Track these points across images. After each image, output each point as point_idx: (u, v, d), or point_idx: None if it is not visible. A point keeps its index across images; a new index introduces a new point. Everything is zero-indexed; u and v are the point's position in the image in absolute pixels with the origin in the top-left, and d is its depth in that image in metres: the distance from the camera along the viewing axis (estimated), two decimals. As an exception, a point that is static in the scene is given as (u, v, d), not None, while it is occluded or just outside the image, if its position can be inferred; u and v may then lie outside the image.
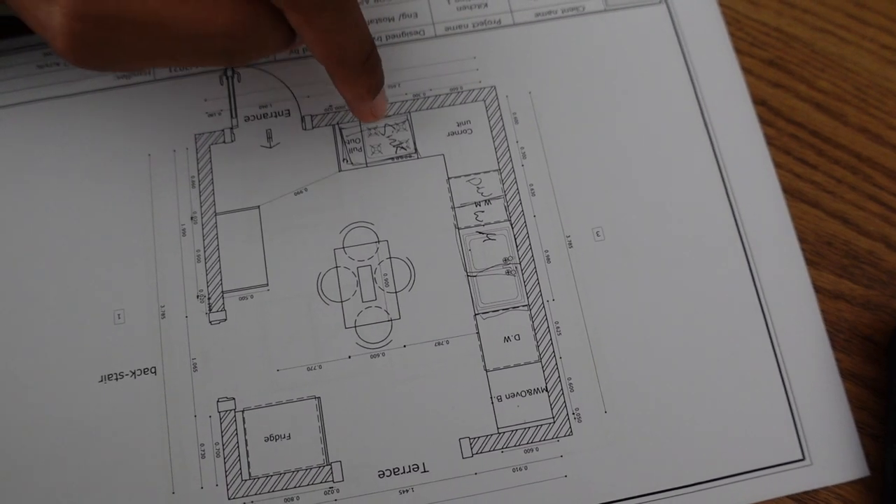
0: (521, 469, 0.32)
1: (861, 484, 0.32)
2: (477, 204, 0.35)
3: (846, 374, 0.34)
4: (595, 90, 0.36)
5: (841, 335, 0.34)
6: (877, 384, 0.34)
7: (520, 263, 0.34)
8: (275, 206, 0.34)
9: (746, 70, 0.38)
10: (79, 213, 0.34)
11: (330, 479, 0.31)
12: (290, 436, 0.32)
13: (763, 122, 0.37)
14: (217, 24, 0.27)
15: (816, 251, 0.35)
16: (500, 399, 0.32)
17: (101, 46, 0.27)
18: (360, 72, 0.31)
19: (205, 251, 0.34)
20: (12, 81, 0.36)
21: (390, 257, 0.34)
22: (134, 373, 0.32)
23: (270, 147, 0.35)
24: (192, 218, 0.34)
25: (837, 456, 0.32)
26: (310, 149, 0.35)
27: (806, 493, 0.32)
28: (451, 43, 0.37)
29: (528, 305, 0.33)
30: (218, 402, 0.32)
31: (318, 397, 0.32)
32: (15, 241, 0.34)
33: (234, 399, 0.32)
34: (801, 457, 0.32)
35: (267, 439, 0.32)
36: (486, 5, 0.38)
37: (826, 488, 0.32)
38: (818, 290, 0.35)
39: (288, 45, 0.29)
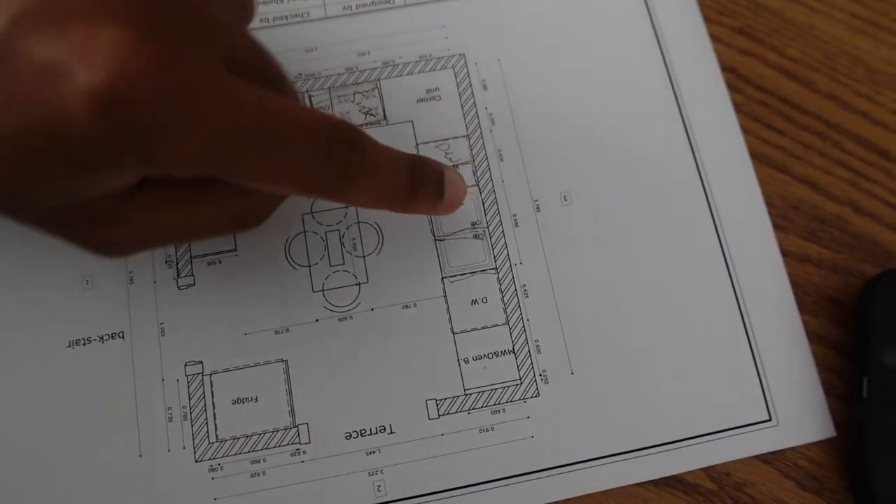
0: (487, 430, 0.32)
1: (827, 444, 0.33)
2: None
3: (813, 337, 0.34)
4: (563, 57, 0.37)
5: (808, 298, 0.34)
6: (843, 346, 0.34)
7: (488, 227, 0.34)
8: (243, 173, 0.34)
9: (715, 38, 0.38)
10: (47, 180, 0.34)
11: (297, 441, 0.31)
12: (257, 398, 0.32)
13: (731, 88, 0.37)
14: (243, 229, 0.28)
15: (783, 215, 0.35)
16: (467, 361, 0.32)
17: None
18: (411, 197, 0.29)
19: (173, 217, 0.34)
20: None
21: (358, 222, 0.34)
22: (102, 338, 0.32)
23: (239, 114, 0.35)
24: (160, 184, 0.34)
25: (804, 416, 0.32)
26: (279, 116, 0.35)
27: (772, 453, 0.32)
28: (421, 11, 0.37)
29: (496, 269, 0.34)
30: (185, 365, 0.32)
31: (286, 360, 0.32)
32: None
33: (201, 363, 0.32)
34: (767, 417, 0.32)
35: (234, 402, 0.32)
36: (455, -26, 0.38)
37: (793, 448, 0.32)
38: (785, 253, 0.35)
39: None
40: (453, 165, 0.35)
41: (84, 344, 0.32)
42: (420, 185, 0.29)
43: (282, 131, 0.24)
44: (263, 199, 0.27)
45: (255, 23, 0.36)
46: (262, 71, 0.26)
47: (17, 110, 0.20)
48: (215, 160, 0.23)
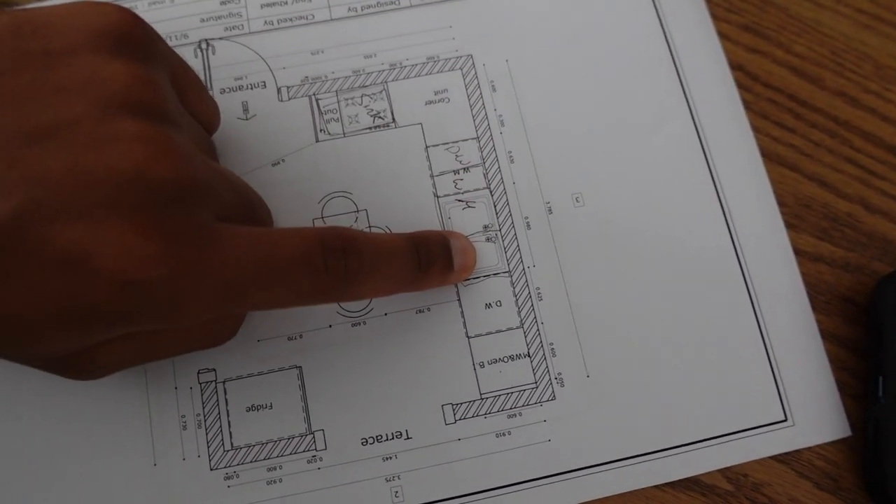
0: (504, 434, 0.32)
1: (843, 444, 0.32)
2: (456, 172, 0.34)
3: (827, 336, 0.34)
4: (572, 56, 0.36)
5: (821, 297, 0.34)
6: (857, 345, 0.34)
7: (500, 230, 0.34)
8: (252, 178, 0.34)
9: (723, 35, 0.38)
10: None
11: (313, 447, 0.31)
12: (271, 405, 0.32)
13: (740, 86, 0.37)
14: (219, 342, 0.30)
15: (795, 214, 0.35)
16: (482, 365, 0.32)
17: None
18: (421, 277, 0.30)
19: (182, 224, 0.33)
20: None
21: (370, 226, 0.34)
22: (113, 347, 0.32)
23: (247, 119, 0.35)
24: (168, 191, 0.34)
25: (819, 416, 0.32)
26: (286, 120, 0.35)
27: (788, 453, 0.32)
28: (427, 12, 0.37)
29: (509, 272, 0.33)
30: (199, 373, 0.32)
31: (300, 367, 0.32)
32: None
33: (214, 370, 0.32)
34: (783, 418, 0.32)
35: (248, 409, 0.31)
36: (461, -26, 0.38)
37: (808, 448, 0.32)
38: (798, 252, 0.35)
39: None
40: (463, 168, 0.35)
41: (95, 353, 0.32)
42: (428, 264, 0.30)
43: (278, 263, 0.25)
44: (236, 321, 0.30)
45: (258, 26, 0.35)
46: (243, 203, 0.28)
47: (45, 294, 0.22)
48: (222, 305, 0.24)
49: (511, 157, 0.35)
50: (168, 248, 0.22)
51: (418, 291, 0.32)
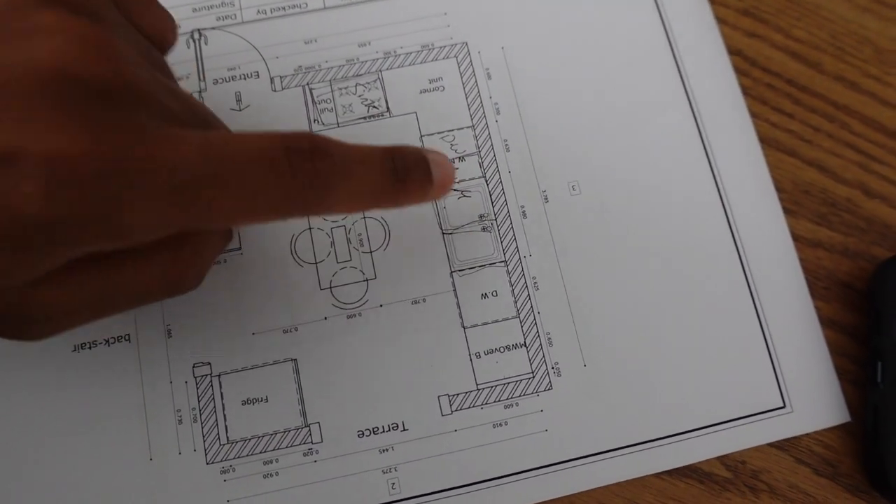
0: (501, 425, 0.31)
1: (842, 429, 0.32)
2: (451, 161, 0.34)
3: (825, 322, 0.33)
4: (568, 43, 0.36)
5: (820, 283, 0.34)
6: (856, 330, 0.34)
7: (495, 220, 0.34)
8: (246, 169, 0.34)
9: (721, 20, 0.37)
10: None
11: (309, 440, 0.31)
12: (267, 399, 0.31)
13: (739, 71, 0.36)
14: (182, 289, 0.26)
15: (794, 199, 0.35)
16: (478, 356, 0.32)
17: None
18: (398, 189, 0.27)
19: (176, 216, 0.33)
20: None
21: (364, 217, 0.33)
22: (108, 341, 0.32)
23: (240, 110, 0.35)
24: (161, 183, 0.34)
25: (818, 402, 0.32)
26: (280, 110, 0.35)
27: (787, 440, 0.32)
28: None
29: (505, 261, 0.33)
30: (194, 367, 0.32)
31: (295, 359, 0.32)
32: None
33: (209, 364, 0.32)
34: (781, 404, 0.32)
35: (244, 403, 0.31)
36: (455, -39, 0.37)
37: (807, 435, 0.32)
38: (796, 238, 0.34)
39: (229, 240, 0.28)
40: (459, 157, 0.34)
41: (90, 347, 0.32)
42: (405, 174, 0.27)
43: (233, 162, 0.22)
44: (203, 254, 0.26)
45: (251, 15, 0.35)
46: (193, 115, 0.25)
47: None
48: (175, 215, 0.22)
49: (507, 145, 0.34)
50: (101, 142, 0.20)
51: (398, 207, 0.28)
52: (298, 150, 0.24)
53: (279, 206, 0.24)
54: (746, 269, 0.33)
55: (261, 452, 0.31)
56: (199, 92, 0.35)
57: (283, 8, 0.36)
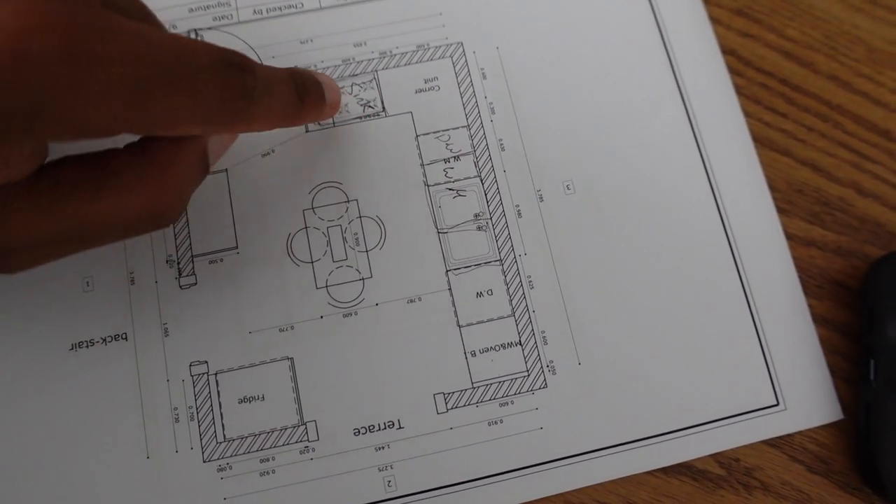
0: (496, 423, 0.32)
1: (835, 427, 0.33)
2: (446, 161, 0.34)
3: (819, 320, 0.34)
4: (562, 43, 0.36)
5: (813, 281, 0.34)
6: (849, 329, 0.34)
7: (491, 219, 0.34)
8: (242, 169, 0.34)
9: (715, 20, 0.37)
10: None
11: (305, 438, 0.31)
12: (263, 397, 0.32)
13: (732, 71, 0.37)
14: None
15: (787, 199, 0.35)
16: (473, 354, 0.32)
17: None
18: (301, 107, 0.30)
19: (173, 216, 0.33)
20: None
21: (360, 216, 0.34)
22: (105, 339, 0.32)
23: (236, 109, 0.35)
24: (158, 183, 0.34)
25: (811, 400, 0.33)
26: (276, 110, 0.35)
27: (780, 437, 0.32)
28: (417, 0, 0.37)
29: (500, 260, 0.33)
30: (191, 365, 0.32)
31: (291, 358, 0.32)
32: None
33: (206, 362, 0.32)
34: (775, 402, 0.32)
35: (241, 401, 0.32)
36: (450, -39, 0.37)
37: (801, 432, 0.33)
38: (789, 237, 0.35)
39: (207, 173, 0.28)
40: (454, 156, 0.34)
41: (87, 346, 0.32)
42: (305, 94, 0.30)
43: (184, 65, 0.23)
44: (180, 180, 0.26)
45: (247, 15, 0.35)
46: (135, 9, 0.26)
47: None
48: (127, 110, 0.22)
49: (502, 144, 0.35)
50: (65, 14, 0.20)
51: (296, 125, 0.31)
52: (234, 64, 0.25)
53: (214, 115, 0.25)
54: (740, 267, 0.34)
55: (257, 450, 0.31)
56: (196, 92, 0.35)
57: (280, 8, 0.36)
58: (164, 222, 0.26)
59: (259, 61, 0.35)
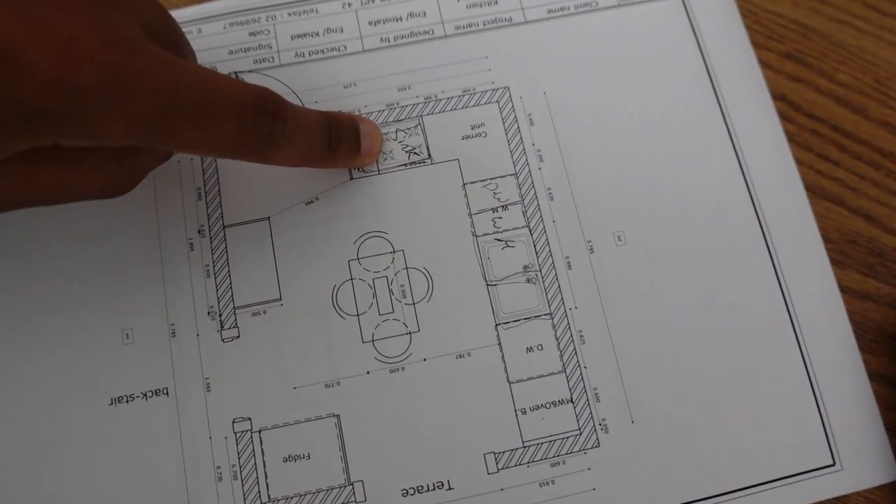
0: (548, 483, 0.31)
1: (892, 487, 0.32)
2: (494, 210, 0.34)
3: (874, 375, 0.33)
4: (611, 88, 0.35)
5: (868, 335, 0.34)
6: (905, 385, 0.33)
7: (540, 271, 0.33)
8: (285, 217, 0.33)
9: (764, 64, 0.37)
10: (82, 229, 0.33)
11: (352, 499, 0.30)
12: (309, 455, 0.31)
13: (783, 117, 0.36)
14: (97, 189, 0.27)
15: (841, 250, 0.35)
16: (524, 412, 0.31)
17: None
18: (330, 155, 0.31)
19: (214, 266, 0.33)
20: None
21: (406, 268, 0.33)
22: (145, 394, 0.31)
23: (278, 155, 0.34)
24: (199, 231, 0.33)
25: (868, 460, 0.32)
26: (319, 156, 0.34)
27: (837, 498, 0.32)
28: (462, 42, 0.36)
29: (550, 314, 0.32)
30: (233, 422, 0.31)
31: (337, 415, 0.31)
32: (17, 259, 0.32)
33: (249, 419, 0.31)
34: (831, 462, 0.32)
35: (286, 460, 0.31)
36: (496, 3, 0.37)
37: (857, 493, 0.32)
38: (844, 289, 0.34)
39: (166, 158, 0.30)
40: (502, 206, 0.34)
41: (127, 401, 0.31)
42: (338, 143, 0.31)
43: (211, 107, 0.25)
44: (143, 165, 0.28)
45: (289, 58, 0.34)
46: (171, 34, 0.28)
47: None
48: (147, 132, 0.24)
49: (550, 193, 0.34)
50: (107, 48, 0.22)
51: (325, 168, 0.33)
52: (264, 110, 0.26)
53: (232, 150, 0.27)
54: (794, 321, 0.33)
55: (303, 512, 0.30)
56: (237, 137, 0.34)
57: (322, 51, 0.36)
58: (115, 196, 0.28)
59: (301, 105, 0.34)
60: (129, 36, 0.23)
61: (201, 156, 0.27)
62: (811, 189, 0.35)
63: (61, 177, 0.25)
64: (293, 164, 0.30)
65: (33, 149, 0.23)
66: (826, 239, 0.34)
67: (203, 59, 0.35)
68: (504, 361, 0.32)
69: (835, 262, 0.34)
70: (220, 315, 0.32)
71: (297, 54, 0.35)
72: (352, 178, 0.34)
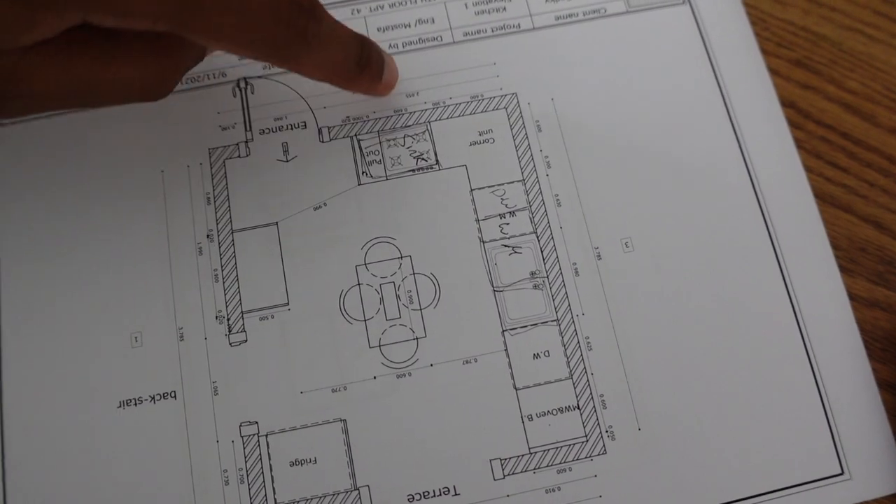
0: (554, 490, 0.31)
1: (900, 497, 0.32)
2: (501, 216, 0.34)
3: (883, 385, 0.33)
4: (619, 94, 0.35)
5: (877, 344, 0.33)
6: (915, 394, 0.33)
7: (547, 277, 0.33)
8: (293, 222, 0.33)
9: (773, 71, 0.37)
10: (92, 232, 0.33)
11: (358, 504, 0.30)
12: (315, 460, 0.31)
13: (792, 124, 0.36)
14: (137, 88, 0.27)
15: (850, 258, 0.34)
16: (530, 418, 0.31)
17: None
18: (357, 73, 0.31)
19: (222, 270, 0.33)
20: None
21: (414, 273, 0.33)
22: (153, 397, 0.31)
23: (287, 161, 0.34)
24: (208, 236, 0.33)
25: (876, 469, 0.32)
26: (328, 162, 0.34)
27: (845, 507, 0.31)
28: (470, 49, 0.36)
29: (557, 320, 0.32)
30: (241, 426, 0.31)
31: (344, 420, 0.31)
32: (27, 262, 0.33)
33: (256, 423, 0.31)
34: (839, 471, 0.31)
35: (292, 464, 0.31)
36: (504, 9, 0.37)
37: (865, 502, 0.31)
38: (853, 297, 0.34)
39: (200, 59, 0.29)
40: (510, 212, 0.34)
41: (135, 404, 0.31)
42: (366, 63, 0.31)
43: None
44: (178, 63, 0.28)
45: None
46: None
47: None
48: (175, 14, 0.23)
49: (558, 200, 0.34)
50: None
51: (344, 88, 0.32)
52: (300, 5, 0.26)
53: (261, 45, 0.26)
54: (803, 329, 0.33)
55: (309, 516, 0.30)
56: (246, 142, 0.34)
57: (331, 57, 0.36)
58: (151, 99, 0.28)
59: (310, 111, 0.34)
60: None
61: (232, 52, 0.27)
62: (820, 196, 0.35)
63: (97, 67, 0.25)
64: (319, 76, 0.29)
65: (68, 34, 0.23)
66: (835, 247, 0.34)
67: (212, 65, 0.35)
68: (511, 367, 0.32)
69: (844, 270, 0.34)
70: (228, 319, 0.32)
71: (306, 60, 0.35)
72: (360, 184, 0.34)
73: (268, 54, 0.27)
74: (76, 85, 0.25)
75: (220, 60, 0.36)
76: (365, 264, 0.33)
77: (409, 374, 0.32)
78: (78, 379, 0.31)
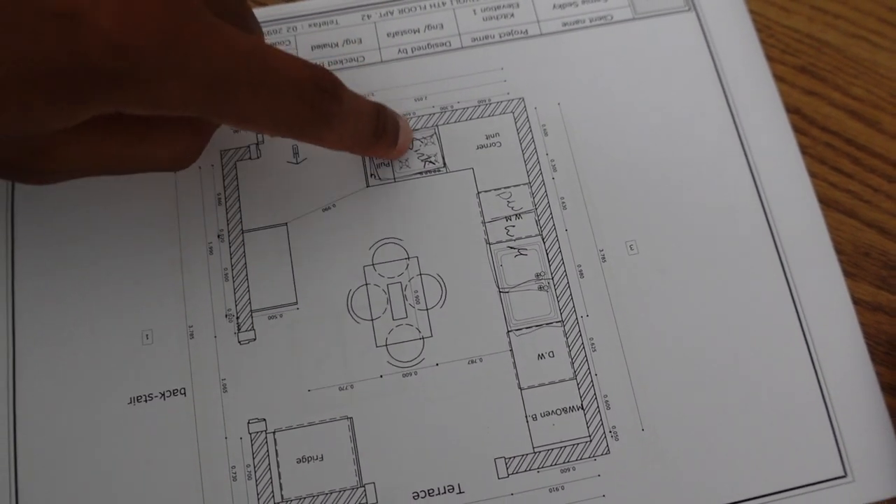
0: (557, 489, 0.31)
1: (904, 500, 0.32)
2: (507, 218, 0.34)
3: (887, 388, 0.33)
4: (625, 100, 0.36)
5: (881, 348, 0.34)
6: (918, 398, 0.33)
7: (552, 279, 0.33)
8: (303, 223, 0.34)
9: (779, 77, 0.37)
10: (104, 232, 0.34)
11: (364, 500, 0.31)
12: (322, 457, 0.31)
13: (797, 130, 0.36)
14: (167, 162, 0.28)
15: (854, 262, 0.35)
16: (535, 418, 0.32)
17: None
18: (374, 142, 0.32)
19: (232, 270, 0.33)
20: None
21: (420, 274, 0.33)
22: (163, 394, 0.32)
23: (297, 163, 0.35)
24: (218, 236, 0.34)
25: (880, 471, 0.32)
26: (337, 164, 0.35)
27: (848, 510, 0.31)
28: (478, 54, 0.37)
29: (562, 321, 0.33)
30: (249, 423, 0.32)
31: (351, 417, 0.32)
32: (39, 262, 0.33)
33: (264, 420, 0.32)
34: (842, 473, 0.31)
35: (299, 461, 0.31)
36: (512, 15, 0.37)
37: (868, 504, 0.32)
38: (857, 302, 0.34)
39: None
40: (516, 214, 0.34)
41: (146, 401, 0.32)
42: (382, 132, 0.32)
43: (271, 78, 0.25)
44: (205, 139, 0.29)
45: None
46: (236, 9, 0.28)
47: (32, 53, 0.21)
48: (206, 103, 0.24)
49: (563, 203, 0.34)
50: (166, 13, 0.22)
51: (362, 155, 0.34)
52: (323, 89, 0.27)
53: (286, 126, 0.27)
54: (806, 332, 0.33)
55: (315, 513, 0.31)
56: (257, 144, 0.35)
57: (341, 61, 0.36)
58: (178, 168, 0.28)
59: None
60: (188, 3, 0.23)
61: (256, 131, 0.28)
62: (824, 201, 0.35)
63: (126, 149, 0.26)
64: (340, 147, 0.30)
65: (98, 119, 0.24)
66: (839, 251, 0.34)
67: (225, 68, 0.36)
68: (515, 367, 0.32)
69: (848, 275, 0.34)
70: (238, 318, 0.33)
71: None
72: (368, 186, 0.34)
73: (292, 134, 0.28)
74: (106, 161, 0.26)
75: (233, 64, 0.36)
76: (373, 265, 0.33)
77: (415, 374, 0.32)
78: (89, 375, 0.32)
